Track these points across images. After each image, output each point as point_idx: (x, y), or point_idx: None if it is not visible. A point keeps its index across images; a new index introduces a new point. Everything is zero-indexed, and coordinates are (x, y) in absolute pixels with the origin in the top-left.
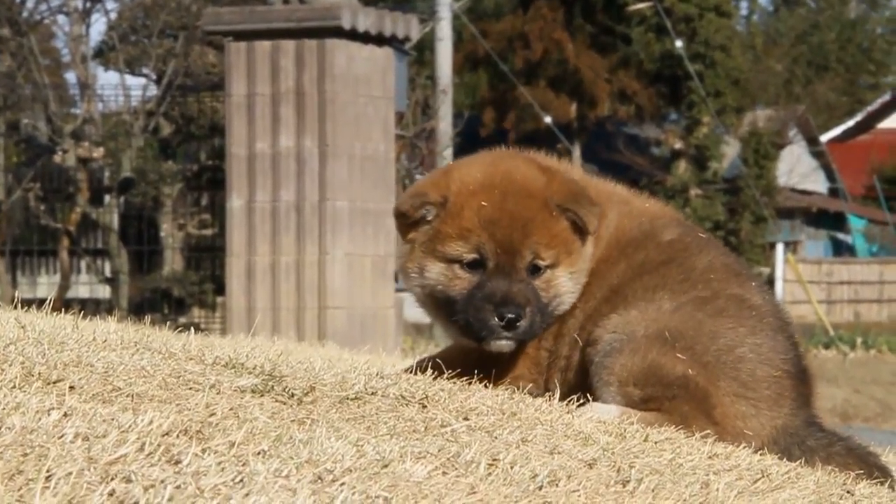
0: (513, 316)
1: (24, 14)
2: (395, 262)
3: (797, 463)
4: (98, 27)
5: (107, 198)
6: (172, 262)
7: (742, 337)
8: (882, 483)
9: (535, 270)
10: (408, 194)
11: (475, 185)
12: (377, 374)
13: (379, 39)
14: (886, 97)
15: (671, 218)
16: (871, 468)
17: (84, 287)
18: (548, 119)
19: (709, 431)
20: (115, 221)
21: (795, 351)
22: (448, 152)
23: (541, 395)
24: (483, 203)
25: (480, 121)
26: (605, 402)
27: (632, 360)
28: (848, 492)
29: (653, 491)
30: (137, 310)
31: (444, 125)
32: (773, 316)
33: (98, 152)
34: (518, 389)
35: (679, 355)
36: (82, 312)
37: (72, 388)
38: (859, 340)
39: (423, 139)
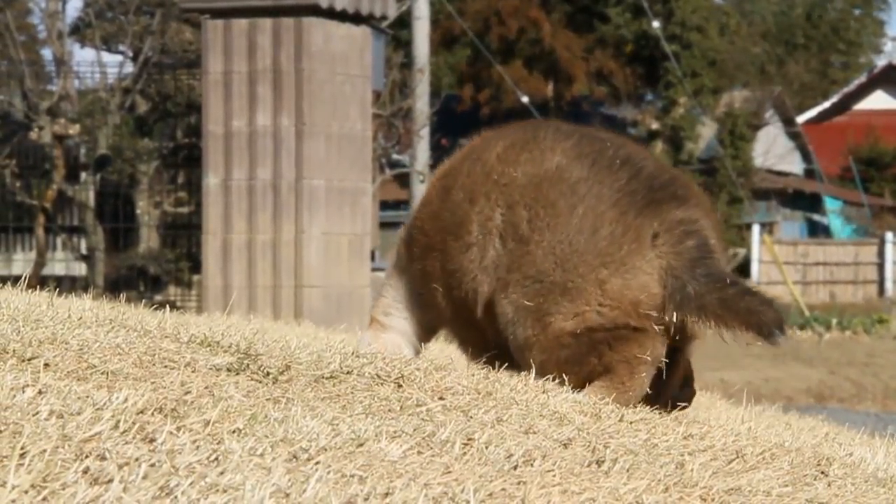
0: None
1: None
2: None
3: (772, 444)
4: (74, 3)
5: (83, 175)
6: (148, 239)
7: (580, 217)
8: (769, 339)
9: None
10: None
11: None
12: (353, 353)
13: (356, 18)
14: (862, 79)
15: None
16: (746, 322)
17: (60, 264)
18: (524, 98)
19: (642, 338)
20: (91, 199)
21: (639, 168)
22: (425, 131)
23: None
24: None
25: (458, 100)
26: None
27: (547, 368)
28: (822, 472)
29: (627, 471)
30: (113, 287)
31: (421, 104)
32: (595, 155)
33: (74, 129)
34: None
35: (559, 314)
36: (58, 289)
37: (46, 365)
38: (834, 321)
39: (400, 118)
